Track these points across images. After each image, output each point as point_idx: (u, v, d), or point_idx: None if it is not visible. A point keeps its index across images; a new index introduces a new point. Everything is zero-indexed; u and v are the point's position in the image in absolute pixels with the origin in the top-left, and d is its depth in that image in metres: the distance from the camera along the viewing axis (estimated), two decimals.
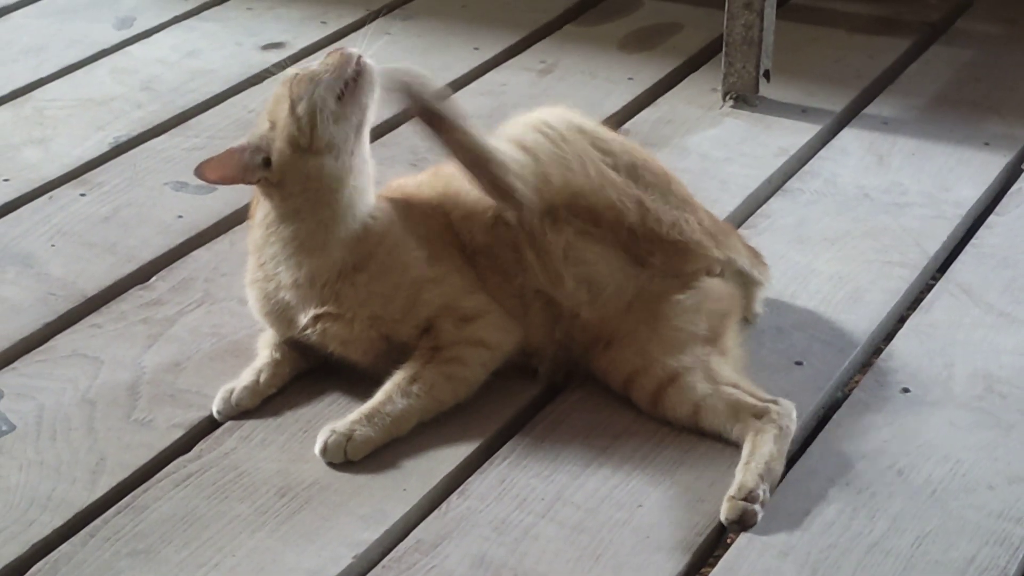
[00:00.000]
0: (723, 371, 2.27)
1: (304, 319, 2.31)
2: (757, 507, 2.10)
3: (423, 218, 2.36)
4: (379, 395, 2.26)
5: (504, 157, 2.25)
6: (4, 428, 2.29)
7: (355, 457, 2.20)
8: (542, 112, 2.39)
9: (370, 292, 2.29)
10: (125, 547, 2.06)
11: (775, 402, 2.23)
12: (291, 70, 2.31)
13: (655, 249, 2.34)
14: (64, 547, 2.06)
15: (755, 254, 2.49)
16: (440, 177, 2.41)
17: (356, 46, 2.31)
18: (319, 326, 2.31)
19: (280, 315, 2.34)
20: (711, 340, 2.30)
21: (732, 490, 2.11)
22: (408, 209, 2.36)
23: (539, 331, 2.34)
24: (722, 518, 2.10)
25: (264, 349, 2.38)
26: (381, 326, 2.30)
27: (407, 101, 2.23)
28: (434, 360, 2.29)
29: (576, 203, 2.31)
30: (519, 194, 2.25)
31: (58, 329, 2.53)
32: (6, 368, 2.43)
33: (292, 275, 2.30)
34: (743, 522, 2.09)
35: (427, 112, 2.23)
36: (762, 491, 2.11)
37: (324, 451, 2.20)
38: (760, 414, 2.21)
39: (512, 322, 2.32)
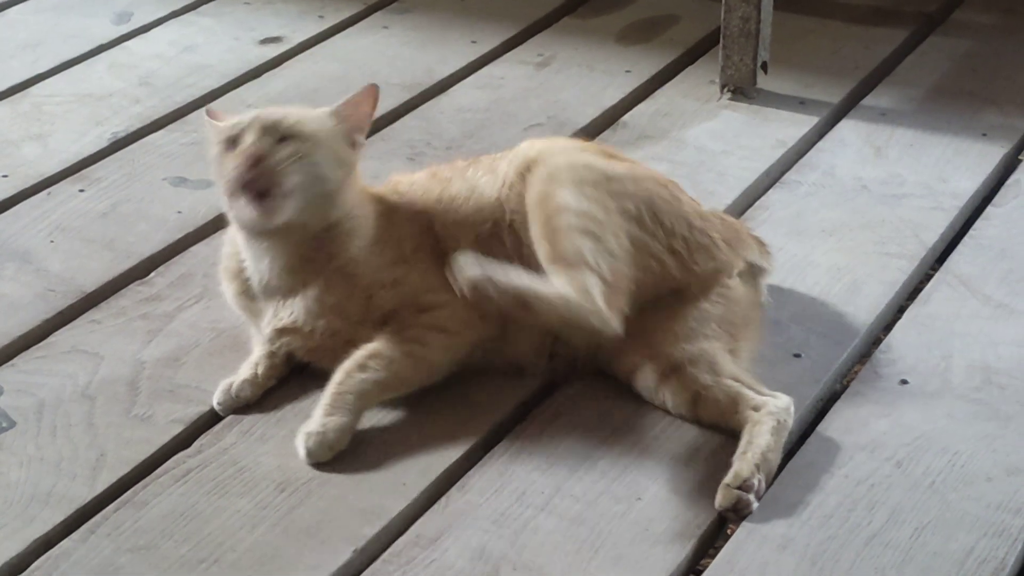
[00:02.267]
0: (727, 366, 2.28)
1: (268, 331, 2.33)
2: (751, 496, 2.10)
3: (404, 221, 2.36)
4: (334, 380, 2.24)
5: (577, 308, 2.20)
6: (4, 424, 2.29)
7: (340, 447, 2.21)
8: (552, 166, 2.34)
9: (322, 305, 2.30)
10: (126, 543, 2.07)
11: (774, 396, 2.23)
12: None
13: (690, 280, 2.35)
14: (65, 543, 2.07)
15: (760, 243, 2.49)
16: (437, 180, 2.41)
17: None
18: (283, 339, 2.33)
19: (254, 314, 2.37)
20: (725, 341, 2.31)
21: (728, 478, 2.12)
22: (391, 212, 2.36)
23: (529, 342, 2.35)
24: (716, 505, 2.10)
25: (259, 344, 2.38)
26: (342, 335, 2.30)
27: (487, 293, 2.18)
28: (393, 340, 2.28)
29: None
30: (605, 327, 2.23)
31: (57, 325, 2.53)
32: (5, 364, 2.43)
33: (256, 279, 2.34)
34: (737, 510, 2.10)
35: (505, 297, 2.19)
36: (757, 481, 2.12)
37: (309, 455, 2.20)
38: (758, 407, 2.21)
39: (474, 317, 2.30)
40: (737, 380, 2.26)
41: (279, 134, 2.25)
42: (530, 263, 2.30)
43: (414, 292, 2.32)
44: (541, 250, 2.27)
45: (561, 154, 2.38)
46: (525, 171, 2.36)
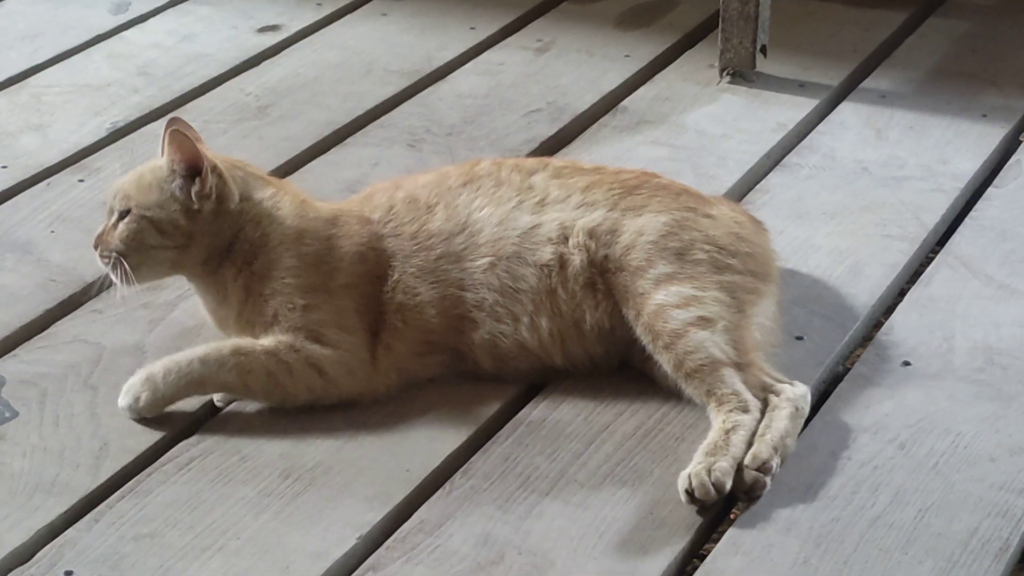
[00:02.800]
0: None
1: None
2: (768, 479, 2.11)
3: (350, 256, 2.33)
4: (198, 351, 2.27)
5: (754, 420, 2.19)
6: (7, 415, 2.29)
7: (147, 414, 2.26)
8: (619, 253, 2.31)
9: (242, 325, 2.32)
10: (130, 531, 2.07)
11: (792, 384, 2.24)
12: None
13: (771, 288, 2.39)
14: (69, 532, 2.07)
15: (755, 221, 2.48)
16: (418, 208, 2.37)
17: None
18: None
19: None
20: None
21: (746, 459, 2.12)
22: (338, 240, 2.34)
23: (522, 377, 2.36)
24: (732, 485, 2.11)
25: None
26: None
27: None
28: (267, 351, 2.26)
29: None
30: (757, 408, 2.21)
31: (59, 315, 2.53)
32: (7, 355, 2.43)
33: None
34: (752, 491, 2.10)
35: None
36: (774, 463, 2.12)
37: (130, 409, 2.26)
38: (778, 392, 2.21)
39: (365, 374, 2.29)
40: (760, 369, 2.25)
41: (119, 210, 2.33)
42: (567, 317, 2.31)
43: (319, 322, 2.29)
44: (666, 363, 2.25)
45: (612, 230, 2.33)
46: (566, 236, 2.33)
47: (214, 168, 2.32)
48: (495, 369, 2.33)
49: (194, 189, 2.30)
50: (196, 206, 2.30)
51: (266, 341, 2.28)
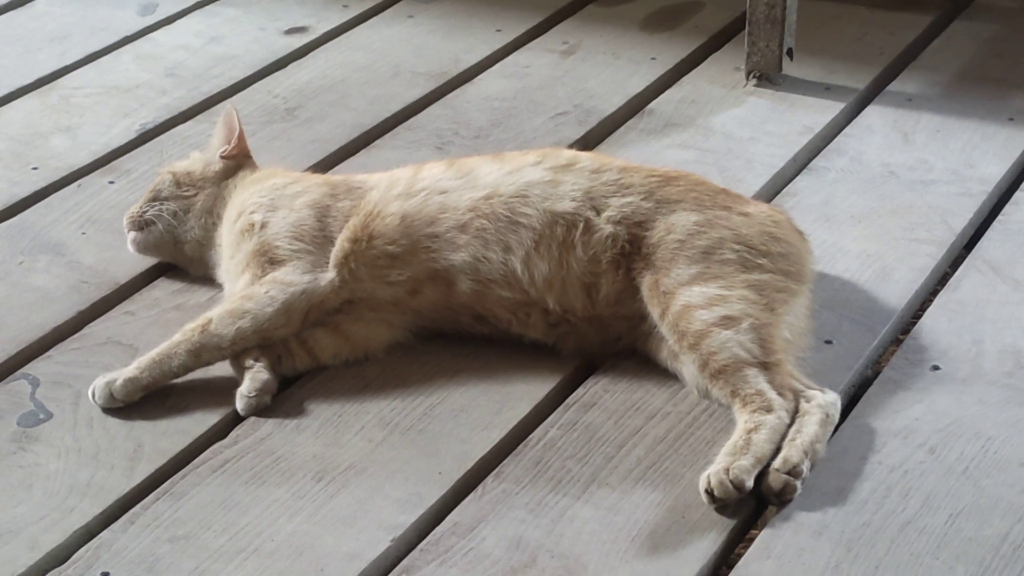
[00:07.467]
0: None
1: None
2: (798, 483, 2.12)
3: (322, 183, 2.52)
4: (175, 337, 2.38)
5: (784, 425, 2.19)
6: (42, 416, 2.30)
7: (124, 398, 2.30)
8: (648, 249, 2.35)
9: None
10: (165, 533, 2.08)
11: (822, 391, 2.24)
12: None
13: (805, 288, 2.41)
14: (105, 534, 2.08)
15: (797, 230, 2.49)
16: (420, 166, 2.49)
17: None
18: None
19: None
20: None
21: (776, 463, 2.13)
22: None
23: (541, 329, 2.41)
24: (762, 488, 2.11)
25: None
26: None
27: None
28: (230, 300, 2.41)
29: None
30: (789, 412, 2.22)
31: (91, 317, 2.54)
32: (41, 356, 2.44)
33: None
34: (783, 495, 2.11)
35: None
36: (805, 467, 2.13)
37: (93, 396, 2.31)
38: (809, 398, 2.22)
39: (323, 272, 2.39)
40: (790, 374, 2.26)
41: None
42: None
43: (276, 233, 2.43)
44: (691, 364, 2.27)
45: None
46: (596, 207, 2.38)
47: None
48: (474, 297, 2.37)
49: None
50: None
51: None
